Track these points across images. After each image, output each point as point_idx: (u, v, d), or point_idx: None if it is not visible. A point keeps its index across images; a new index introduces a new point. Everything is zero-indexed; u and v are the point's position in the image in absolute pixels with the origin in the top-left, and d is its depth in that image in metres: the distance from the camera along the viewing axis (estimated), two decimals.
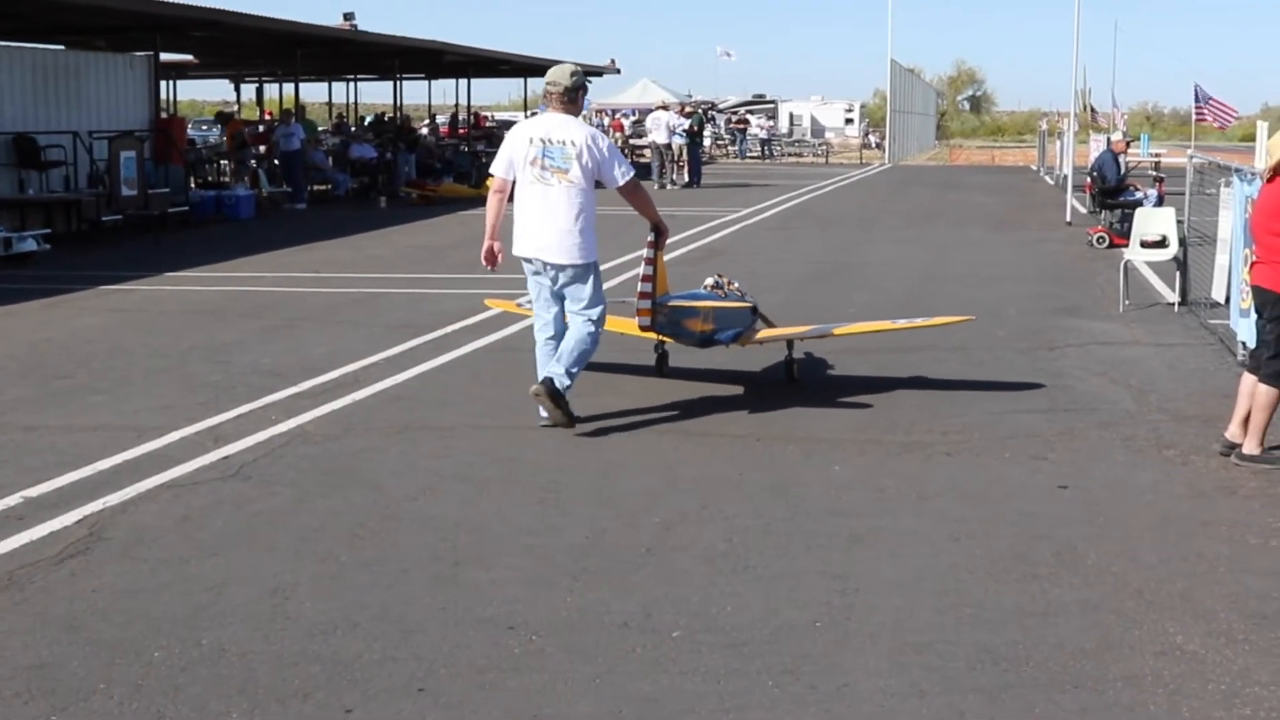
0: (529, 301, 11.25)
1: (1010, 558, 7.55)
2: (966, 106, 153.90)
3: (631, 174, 10.58)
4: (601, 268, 10.83)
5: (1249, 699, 5.80)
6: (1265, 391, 9.43)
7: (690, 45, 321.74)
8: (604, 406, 11.13)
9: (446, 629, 6.53)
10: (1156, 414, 11.07)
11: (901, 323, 13.48)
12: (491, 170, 10.71)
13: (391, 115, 47.43)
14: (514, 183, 10.50)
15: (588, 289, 10.38)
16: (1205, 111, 21.53)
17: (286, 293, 18.29)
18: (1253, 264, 9.73)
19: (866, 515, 8.34)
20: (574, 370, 10.31)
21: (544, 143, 10.25)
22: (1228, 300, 13.56)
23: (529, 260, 10.42)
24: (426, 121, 53.99)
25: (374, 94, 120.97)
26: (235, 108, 53.35)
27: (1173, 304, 16.84)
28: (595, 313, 10.41)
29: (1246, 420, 9.61)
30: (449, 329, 14.96)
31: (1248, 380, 9.70)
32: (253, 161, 34.27)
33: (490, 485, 9.01)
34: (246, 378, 12.34)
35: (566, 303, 10.48)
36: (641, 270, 10.98)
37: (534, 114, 49.24)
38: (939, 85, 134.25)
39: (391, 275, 20.12)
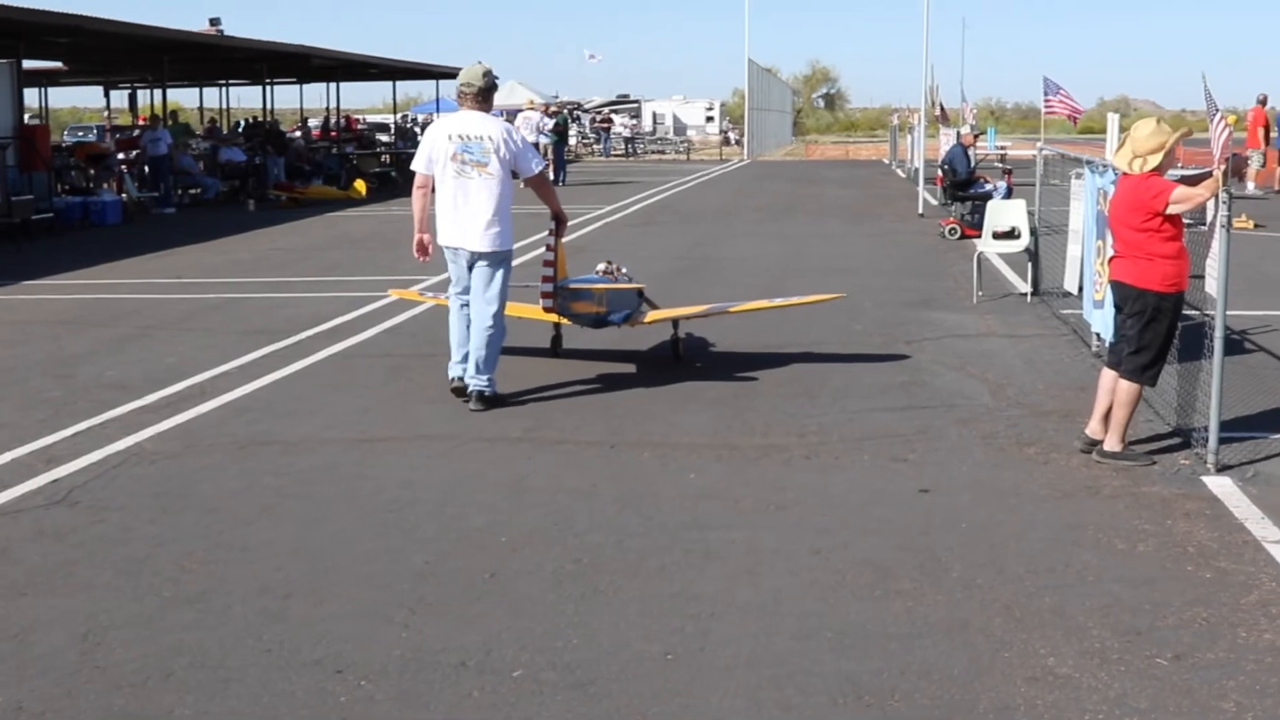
0: (428, 290, 11.74)
1: (872, 572, 6.89)
2: (821, 104, 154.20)
3: (543, 165, 11.12)
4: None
5: None
6: (1126, 388, 8.86)
7: (557, 48, 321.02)
8: (460, 412, 10.40)
9: (269, 675, 5.73)
10: (1015, 409, 10.48)
11: (779, 301, 13.90)
12: (413, 168, 10.94)
13: (261, 119, 46.13)
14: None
15: (497, 277, 10.62)
16: (1055, 103, 21.08)
17: (145, 299, 17.26)
18: (1111, 259, 9.16)
19: (723, 528, 7.65)
20: (492, 373, 10.62)
21: (463, 139, 10.52)
22: (1080, 291, 13.04)
23: (454, 249, 10.64)
24: (298, 125, 52.59)
25: (250, 98, 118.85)
26: (107, 114, 51.72)
27: (1025, 294, 16.35)
28: (498, 305, 10.62)
29: (1106, 416, 9.06)
30: (304, 335, 14.07)
31: (1107, 376, 9.13)
32: (123, 167, 32.97)
33: (332, 505, 8.20)
34: (90, 392, 11.40)
35: (473, 289, 10.64)
36: (544, 257, 11.28)
37: (404, 116, 48.74)
38: (795, 84, 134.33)
39: (252, 279, 19.13)
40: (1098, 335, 12.24)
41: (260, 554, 7.30)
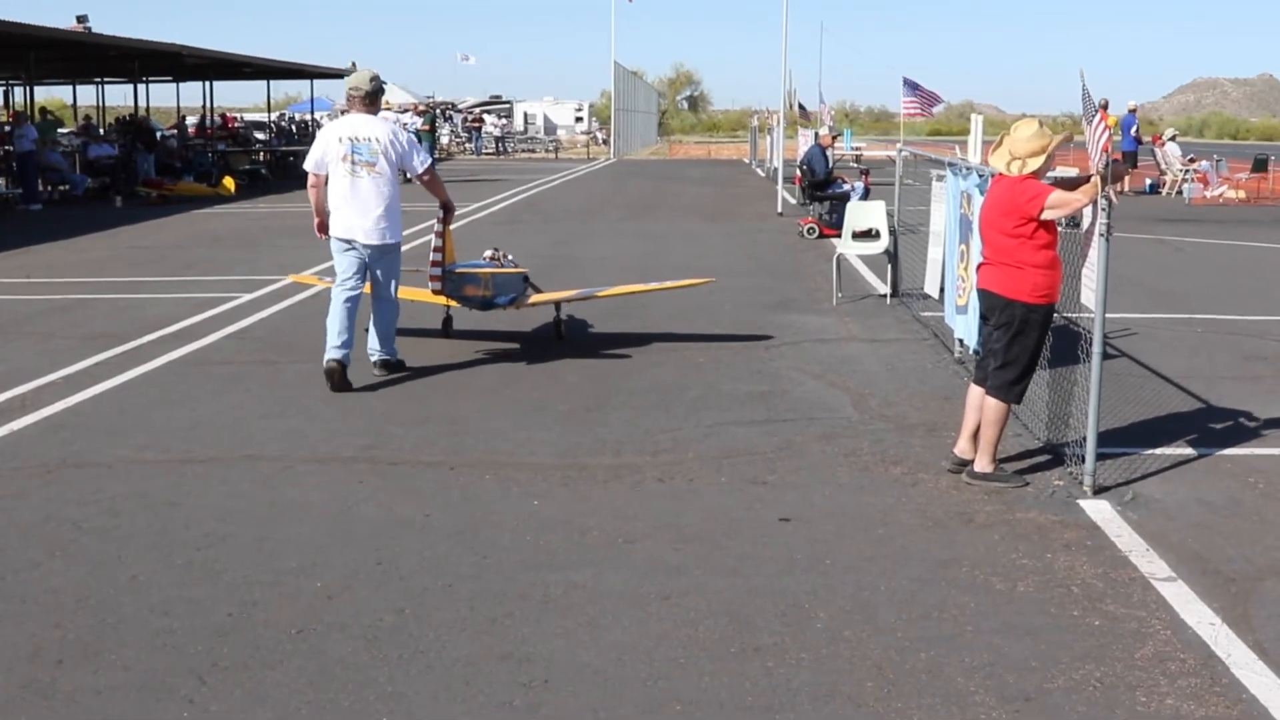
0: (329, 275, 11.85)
1: (729, 622, 5.83)
2: (685, 105, 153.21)
3: (429, 162, 11.17)
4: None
5: None
6: (994, 406, 7.90)
7: (432, 49, 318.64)
8: (294, 429, 9.22)
9: None
10: (879, 422, 9.50)
11: (653, 285, 14.30)
12: (305, 168, 11.04)
13: (132, 116, 44.13)
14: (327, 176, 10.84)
15: (391, 267, 10.97)
16: (913, 104, 19.94)
17: None
18: (979, 265, 8.18)
19: (566, 567, 6.55)
20: (393, 344, 11.16)
21: (353, 140, 10.69)
22: (941, 294, 12.11)
23: (346, 240, 10.77)
24: (175, 123, 50.50)
25: (141, 98, 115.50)
26: None
27: (884, 296, 15.44)
28: (393, 288, 11.03)
29: (975, 434, 8.09)
30: (145, 339, 12.74)
31: (975, 393, 8.16)
32: None
33: (134, 542, 6.96)
34: None
35: (374, 280, 10.93)
36: (433, 242, 11.48)
37: (281, 115, 47.36)
38: (660, 86, 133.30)
39: (104, 279, 17.61)
40: (960, 341, 11.34)
41: (41, 605, 6.08)
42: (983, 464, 7.95)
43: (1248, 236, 24.23)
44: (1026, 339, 7.80)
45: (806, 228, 23.05)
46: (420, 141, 35.71)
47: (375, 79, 10.93)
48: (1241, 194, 33.39)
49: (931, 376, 11.05)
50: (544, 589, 6.24)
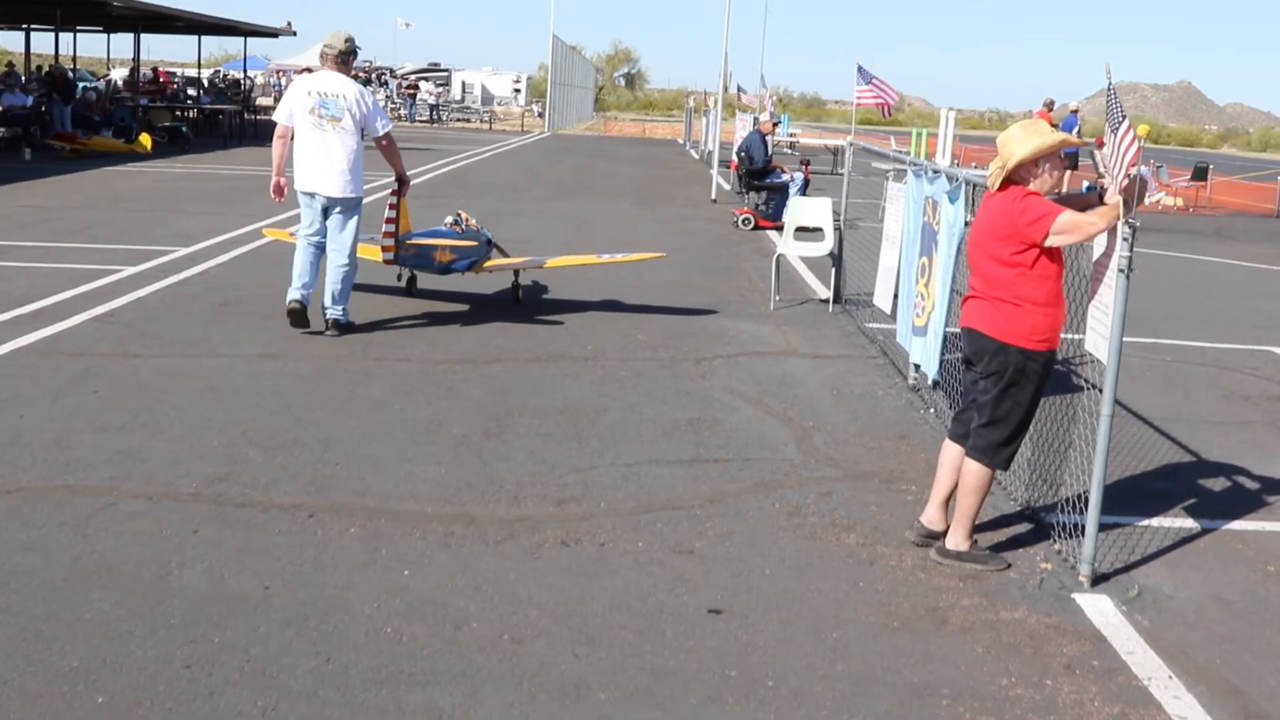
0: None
1: None
2: (622, 82, 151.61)
3: (390, 126, 11.26)
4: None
5: None
6: (975, 471, 6.30)
7: (373, 14, 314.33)
8: (131, 451, 7.48)
9: None
10: (826, 468, 7.88)
11: (605, 257, 13.95)
12: (274, 118, 11.37)
13: (53, 66, 41.68)
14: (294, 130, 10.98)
15: (350, 223, 11.04)
16: (866, 93, 18.18)
17: None
18: (966, 298, 6.55)
19: (430, 681, 4.86)
20: (346, 302, 11.07)
21: (321, 95, 10.87)
22: (894, 310, 10.53)
23: (309, 194, 10.93)
24: (104, 75, 48.07)
25: (68, 47, 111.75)
26: None
27: (826, 301, 13.81)
28: (351, 245, 11.05)
29: (948, 501, 6.51)
30: None
31: (951, 451, 6.57)
32: None
33: None
34: None
35: (330, 233, 10.99)
36: (386, 214, 11.50)
37: (215, 72, 45.50)
38: (598, 62, 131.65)
39: None
40: (915, 366, 9.77)
41: None
42: (956, 540, 6.36)
43: (1193, 249, 22.94)
44: (1021, 392, 6.23)
45: (741, 218, 21.42)
46: None
47: (349, 40, 11.11)
48: (1180, 201, 32.14)
49: (883, 406, 9.46)
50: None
